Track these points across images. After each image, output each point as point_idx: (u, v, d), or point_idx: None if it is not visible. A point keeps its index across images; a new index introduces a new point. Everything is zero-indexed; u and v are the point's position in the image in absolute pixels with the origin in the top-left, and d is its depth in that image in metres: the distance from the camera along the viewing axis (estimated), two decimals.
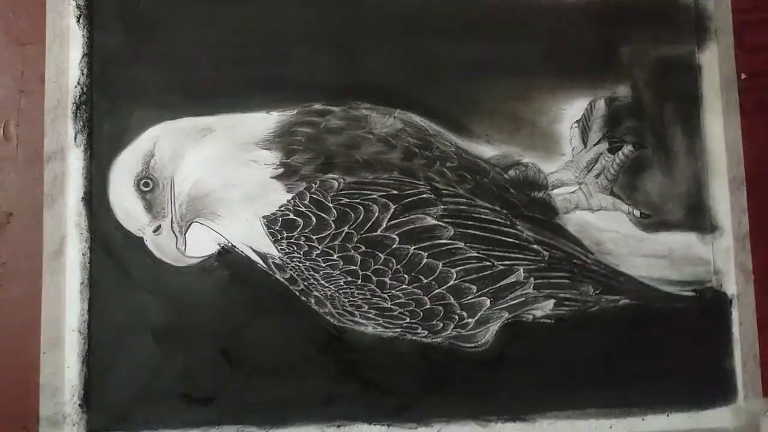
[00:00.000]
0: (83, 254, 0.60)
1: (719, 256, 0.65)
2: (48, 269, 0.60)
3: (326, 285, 0.62)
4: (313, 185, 0.62)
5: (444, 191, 0.63)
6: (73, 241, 0.60)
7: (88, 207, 0.60)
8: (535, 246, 0.64)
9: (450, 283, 0.62)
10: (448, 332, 0.62)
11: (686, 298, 0.64)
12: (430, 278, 0.62)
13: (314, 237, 0.62)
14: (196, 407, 0.60)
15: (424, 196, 0.63)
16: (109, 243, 0.60)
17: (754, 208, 0.66)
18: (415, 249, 0.62)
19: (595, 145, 0.66)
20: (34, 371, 0.59)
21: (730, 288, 0.65)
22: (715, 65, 0.67)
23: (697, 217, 0.65)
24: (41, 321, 0.59)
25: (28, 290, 0.60)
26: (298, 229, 0.62)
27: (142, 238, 0.61)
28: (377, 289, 0.62)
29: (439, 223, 0.63)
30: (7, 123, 0.61)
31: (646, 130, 0.66)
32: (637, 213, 0.65)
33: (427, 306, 0.62)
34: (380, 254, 0.62)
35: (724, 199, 0.66)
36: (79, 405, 0.59)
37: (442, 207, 0.63)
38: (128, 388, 0.59)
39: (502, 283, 0.63)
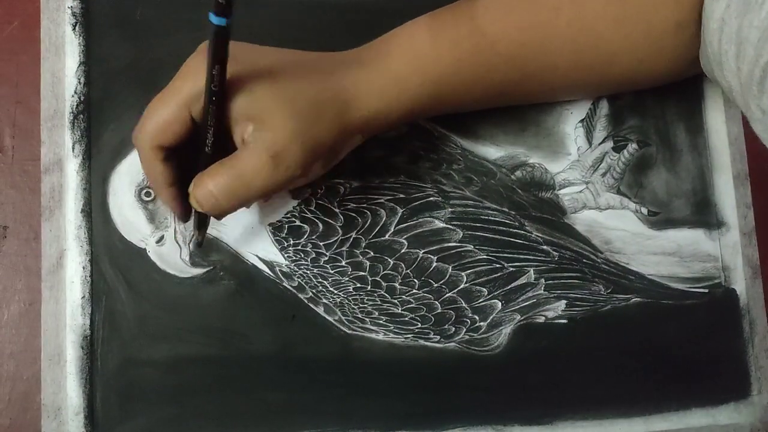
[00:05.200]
0: (84, 267, 0.58)
1: (727, 251, 0.65)
2: (47, 284, 0.58)
3: (335, 292, 0.60)
4: (319, 191, 0.61)
5: (451, 194, 0.63)
6: (72, 254, 0.58)
7: (88, 219, 0.59)
8: (544, 246, 0.63)
9: (461, 287, 0.62)
10: (461, 336, 0.61)
11: (697, 295, 0.64)
12: (441, 282, 0.61)
13: (321, 243, 0.61)
14: (207, 422, 0.58)
15: (431, 199, 0.62)
16: (110, 255, 0.59)
17: (758, 203, 0.66)
18: (424, 253, 0.61)
19: (599, 144, 0.65)
20: (34, 390, 0.57)
21: (739, 284, 0.65)
22: None
23: (703, 213, 0.65)
24: (41, 338, 0.57)
25: (26, 306, 0.58)
26: (305, 236, 0.60)
27: (144, 249, 0.59)
28: (387, 295, 0.61)
29: (448, 226, 0.62)
30: (2, 134, 0.59)
31: (649, 128, 0.66)
32: (644, 211, 0.64)
33: (439, 310, 0.61)
34: (389, 259, 0.61)
35: (729, 194, 0.66)
36: (84, 424, 0.56)
37: (449, 210, 0.62)
38: (135, 405, 0.57)
39: (513, 284, 0.62)
